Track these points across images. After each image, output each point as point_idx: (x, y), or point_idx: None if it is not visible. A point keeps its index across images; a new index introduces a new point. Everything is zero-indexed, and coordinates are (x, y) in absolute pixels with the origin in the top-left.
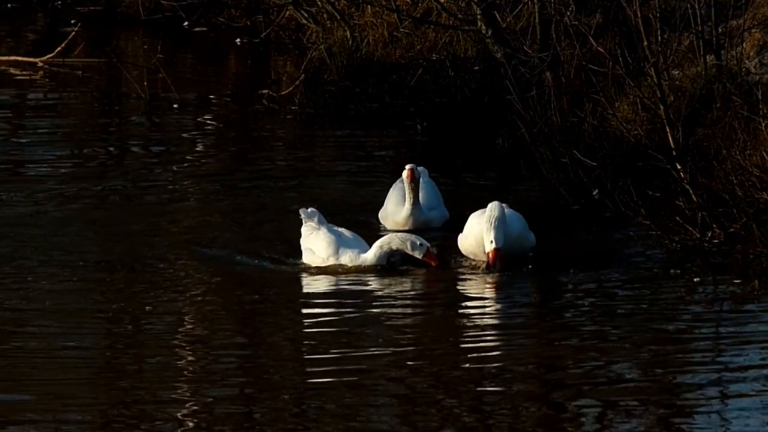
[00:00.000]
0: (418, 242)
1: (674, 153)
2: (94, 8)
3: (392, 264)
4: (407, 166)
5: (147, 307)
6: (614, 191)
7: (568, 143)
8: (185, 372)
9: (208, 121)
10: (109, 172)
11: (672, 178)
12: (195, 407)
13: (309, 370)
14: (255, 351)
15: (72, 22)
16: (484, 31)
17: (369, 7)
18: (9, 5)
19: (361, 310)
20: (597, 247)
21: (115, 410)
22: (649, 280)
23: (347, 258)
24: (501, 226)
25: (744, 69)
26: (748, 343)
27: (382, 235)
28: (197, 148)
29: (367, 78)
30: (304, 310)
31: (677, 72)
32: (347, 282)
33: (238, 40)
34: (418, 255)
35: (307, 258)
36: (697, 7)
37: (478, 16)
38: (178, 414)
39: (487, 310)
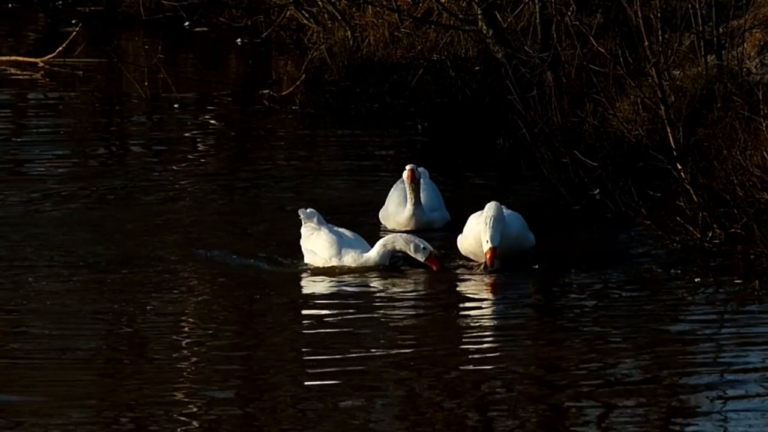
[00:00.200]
0: (422, 246)
1: (675, 153)
2: (94, 8)
3: (394, 263)
4: (407, 167)
5: (148, 307)
6: (615, 191)
7: (568, 143)
8: (185, 373)
9: (208, 121)
10: (110, 172)
11: (673, 179)
12: (195, 408)
13: (309, 371)
14: (255, 352)
15: (73, 22)
16: (484, 31)
17: (370, 7)
18: (10, 5)
19: (362, 311)
20: (598, 248)
21: (114, 411)
22: (650, 280)
23: (350, 258)
24: (497, 225)
25: (745, 69)
26: (749, 344)
27: (383, 236)
28: (198, 148)
29: (368, 78)
30: (305, 311)
31: (678, 72)
32: (348, 283)
33: (238, 40)
34: (420, 258)
35: (309, 259)
36: (698, 7)
37: (479, 16)
38: (178, 415)
39: (487, 311)
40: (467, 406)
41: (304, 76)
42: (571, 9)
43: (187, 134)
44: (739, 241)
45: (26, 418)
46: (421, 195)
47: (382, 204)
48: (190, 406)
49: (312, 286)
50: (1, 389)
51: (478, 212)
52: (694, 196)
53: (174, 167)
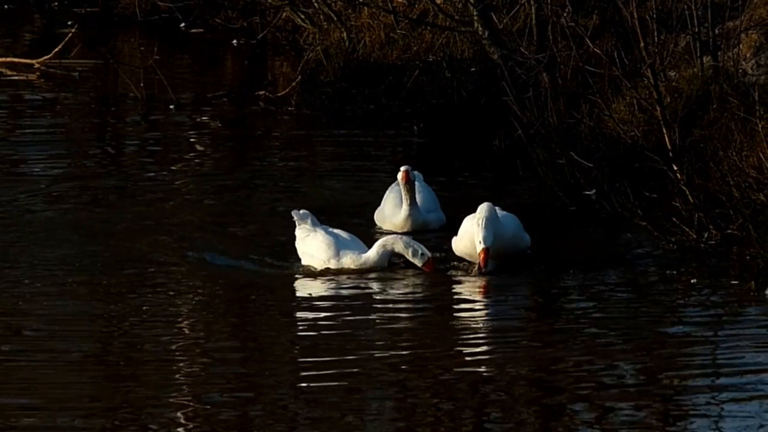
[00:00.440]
0: (420, 251)
1: (671, 154)
2: (90, 9)
3: (392, 264)
4: (402, 168)
5: (144, 307)
6: (611, 192)
7: (564, 144)
8: (181, 375)
9: (204, 122)
10: (106, 173)
11: (669, 179)
12: (189, 410)
13: (305, 374)
14: (251, 354)
15: (69, 23)
16: (480, 33)
17: (366, 8)
18: (6, 6)
19: (358, 313)
20: (593, 249)
21: (110, 413)
22: (646, 281)
23: (349, 259)
24: (490, 226)
25: (741, 70)
26: (745, 344)
27: (379, 237)
28: (193, 149)
29: (364, 79)
30: (301, 314)
31: (674, 73)
32: (344, 285)
33: (234, 41)
34: (418, 263)
35: (306, 261)
36: (693, 8)
37: (475, 18)
38: (173, 417)
39: (484, 313)
40: (464, 408)
41: (299, 77)
42: (566, 10)
43: (182, 135)
44: (735, 242)
45: (20, 421)
46: (417, 197)
47: (378, 205)
48: (185, 408)
49: (308, 287)
50: None
51: (474, 214)
52: (690, 197)
53: (169, 168)
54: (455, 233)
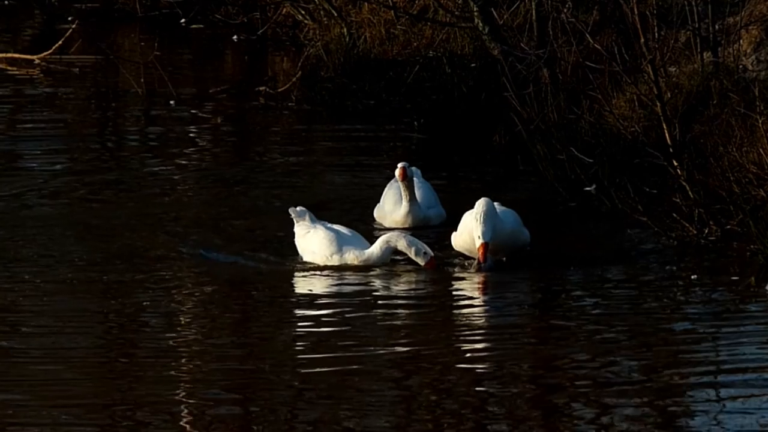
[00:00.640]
0: (423, 250)
1: (671, 150)
2: (91, 5)
3: (393, 260)
4: (399, 165)
5: (143, 302)
6: (611, 188)
7: (565, 140)
8: (180, 372)
9: (204, 118)
10: (106, 168)
11: (669, 175)
12: (189, 407)
13: (305, 370)
14: (252, 351)
15: (69, 19)
16: (481, 28)
17: (366, 4)
18: (6, 2)
19: (358, 309)
20: (594, 245)
21: (110, 410)
22: (646, 277)
23: (351, 255)
24: (488, 221)
25: (741, 66)
26: (745, 341)
27: (378, 233)
28: (194, 145)
29: (364, 75)
30: (301, 311)
31: (674, 69)
32: (344, 281)
33: (235, 36)
34: (420, 261)
35: (308, 257)
36: (694, 3)
37: (475, 13)
38: (174, 414)
39: (484, 309)
40: (464, 406)
41: (300, 72)
42: (567, 6)
43: (183, 131)
44: (735, 237)
45: (19, 418)
46: (417, 193)
47: (378, 200)
48: (185, 405)
49: (308, 284)
50: None
51: (473, 209)
52: (690, 193)
53: (170, 163)
54: (455, 229)
